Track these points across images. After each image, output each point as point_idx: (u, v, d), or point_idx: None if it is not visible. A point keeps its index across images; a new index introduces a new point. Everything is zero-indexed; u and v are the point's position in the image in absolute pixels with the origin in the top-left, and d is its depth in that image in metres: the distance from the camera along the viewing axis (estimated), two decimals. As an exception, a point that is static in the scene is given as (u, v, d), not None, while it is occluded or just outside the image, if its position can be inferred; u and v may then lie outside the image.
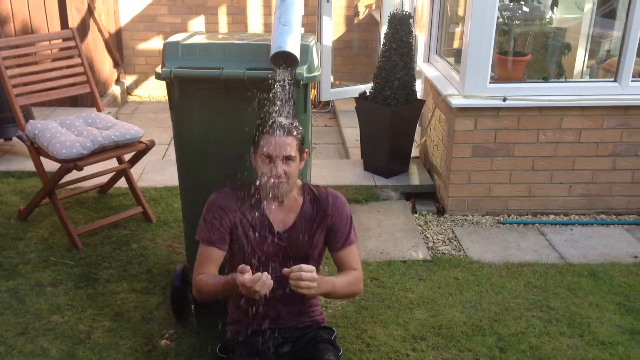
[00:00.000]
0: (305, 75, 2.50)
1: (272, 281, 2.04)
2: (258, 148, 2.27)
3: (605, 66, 4.58)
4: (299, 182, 2.40)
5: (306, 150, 2.38)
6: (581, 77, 4.76)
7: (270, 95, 2.39)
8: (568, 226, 4.06)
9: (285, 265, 2.39)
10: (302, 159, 2.33)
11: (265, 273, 2.03)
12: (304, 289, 2.09)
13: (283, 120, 2.26)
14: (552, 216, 4.19)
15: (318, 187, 2.45)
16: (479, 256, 3.65)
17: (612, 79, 4.06)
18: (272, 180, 2.24)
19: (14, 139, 4.81)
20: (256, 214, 2.35)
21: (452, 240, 3.85)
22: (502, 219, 4.15)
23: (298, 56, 2.46)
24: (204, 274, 2.32)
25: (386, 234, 3.87)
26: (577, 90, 4.03)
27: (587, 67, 4.81)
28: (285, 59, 2.44)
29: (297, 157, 2.29)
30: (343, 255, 2.42)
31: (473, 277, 3.41)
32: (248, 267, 2.05)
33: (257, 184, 2.34)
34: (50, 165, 3.62)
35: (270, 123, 2.24)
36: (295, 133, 2.26)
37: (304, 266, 2.10)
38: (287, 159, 2.24)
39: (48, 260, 3.39)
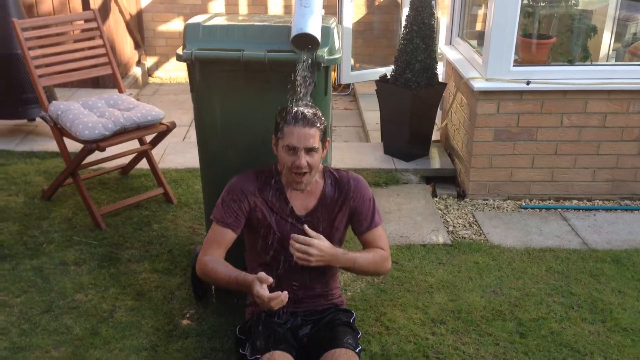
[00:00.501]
0: (326, 57, 2.48)
1: (287, 297, 2.07)
2: (280, 138, 2.26)
3: (632, 49, 4.50)
4: (320, 166, 2.39)
5: (328, 139, 2.37)
6: (607, 61, 4.68)
7: (291, 78, 2.38)
8: (591, 211, 4.01)
9: None
10: (324, 149, 2.32)
11: (285, 292, 2.06)
12: (300, 258, 2.18)
13: (306, 110, 2.24)
14: (575, 201, 4.14)
15: (339, 171, 2.45)
16: (499, 241, 3.62)
17: (639, 63, 3.98)
18: (295, 171, 2.24)
19: (38, 119, 4.86)
20: (277, 198, 2.35)
21: (472, 225, 3.83)
22: (523, 203, 4.11)
23: (319, 38, 2.44)
24: (212, 257, 2.30)
25: (406, 217, 3.86)
26: (603, 73, 3.96)
27: (613, 50, 4.72)
28: (306, 41, 2.42)
29: (320, 148, 2.27)
30: (369, 237, 2.43)
31: (494, 261, 3.39)
32: (270, 278, 2.08)
33: (278, 168, 2.34)
34: (73, 146, 3.66)
35: (293, 113, 2.22)
36: (318, 124, 2.24)
37: (298, 237, 2.19)
38: (311, 150, 2.23)
39: (71, 240, 3.44)
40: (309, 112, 2.24)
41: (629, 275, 3.28)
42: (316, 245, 2.19)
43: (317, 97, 2.52)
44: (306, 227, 2.25)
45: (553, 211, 4.01)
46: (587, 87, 3.88)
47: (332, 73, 6.06)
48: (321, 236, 2.24)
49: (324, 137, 2.29)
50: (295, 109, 2.24)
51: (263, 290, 2.05)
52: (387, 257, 2.44)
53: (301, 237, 2.18)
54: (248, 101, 2.61)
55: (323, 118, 2.29)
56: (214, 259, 2.30)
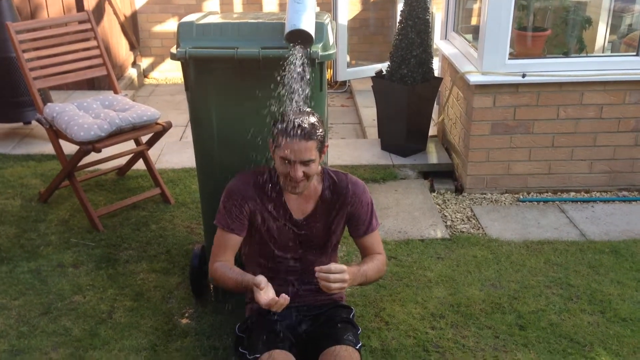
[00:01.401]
0: (320, 53, 2.47)
1: (288, 299, 2.03)
2: (277, 147, 2.21)
3: (627, 40, 4.49)
4: (318, 167, 2.37)
5: (327, 144, 2.33)
6: (602, 52, 4.67)
7: (286, 75, 2.37)
8: (589, 203, 4.01)
9: (303, 251, 2.40)
10: (322, 155, 2.27)
11: (283, 295, 2.03)
12: (334, 290, 2.09)
13: (303, 119, 2.17)
14: (572, 193, 4.14)
15: (338, 173, 2.42)
16: (498, 234, 3.62)
17: (634, 53, 3.98)
18: (291, 181, 2.22)
19: (33, 122, 4.86)
20: (275, 202, 2.34)
21: (470, 219, 3.82)
22: (521, 196, 4.11)
23: (313, 34, 2.43)
24: (221, 262, 2.31)
25: (404, 212, 3.86)
26: (598, 65, 3.95)
27: (608, 42, 4.72)
28: (300, 38, 2.41)
29: (317, 158, 2.23)
30: (366, 241, 2.42)
31: (492, 255, 3.39)
32: (265, 281, 2.06)
33: (275, 171, 2.32)
34: (69, 148, 3.65)
35: (290, 124, 2.15)
36: (315, 136, 2.18)
37: (332, 267, 2.09)
38: (307, 162, 2.20)
39: (69, 242, 3.43)
40: (306, 123, 2.17)
41: (628, 266, 3.28)
42: (348, 271, 2.13)
43: (312, 93, 2.51)
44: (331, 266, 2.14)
45: (551, 204, 4.01)
46: (583, 79, 3.87)
47: (328, 70, 6.05)
48: (335, 264, 2.14)
49: (322, 145, 2.24)
50: (293, 119, 2.17)
51: (261, 298, 2.04)
52: (385, 260, 2.45)
53: (332, 267, 2.09)
54: (243, 98, 2.60)
55: (321, 129, 2.22)
56: (223, 265, 2.29)
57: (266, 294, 2.06)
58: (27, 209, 3.77)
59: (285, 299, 2.03)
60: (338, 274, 2.09)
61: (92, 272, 3.18)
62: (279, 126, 2.20)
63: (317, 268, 2.10)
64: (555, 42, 4.38)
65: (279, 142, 2.19)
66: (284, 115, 2.22)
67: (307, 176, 2.23)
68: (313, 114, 2.25)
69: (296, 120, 2.16)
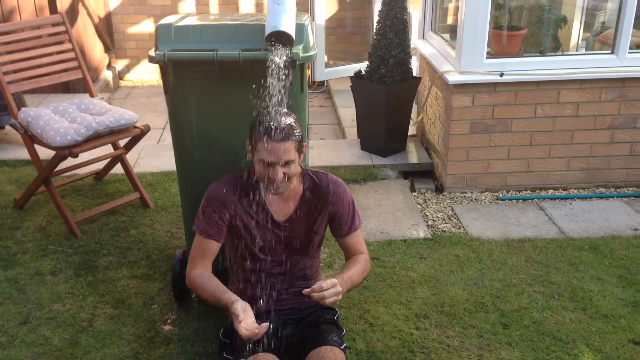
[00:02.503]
0: (301, 55, 2.46)
1: (267, 327, 2.03)
2: (255, 149, 2.18)
3: (601, 39, 4.55)
4: (298, 168, 2.36)
5: (305, 144, 2.31)
6: (577, 50, 4.73)
7: (266, 77, 2.35)
8: (567, 200, 4.05)
9: (286, 253, 2.38)
10: (301, 155, 2.26)
11: (263, 324, 2.02)
12: (329, 303, 2.09)
13: (280, 121, 2.14)
14: (551, 191, 4.18)
15: (318, 173, 2.40)
16: (479, 233, 3.64)
17: (610, 51, 4.04)
18: (271, 183, 2.19)
19: (7, 127, 4.76)
20: (256, 205, 2.31)
21: (451, 218, 3.84)
22: (501, 195, 4.14)
23: (294, 35, 2.42)
24: (200, 272, 2.27)
25: (385, 213, 3.86)
26: (574, 63, 3.99)
27: (582, 40, 4.78)
28: (280, 39, 2.40)
29: (297, 158, 2.21)
30: (349, 241, 2.41)
31: (474, 254, 3.41)
32: (242, 309, 2.05)
33: (255, 174, 2.30)
34: (45, 153, 3.58)
35: (267, 126, 2.12)
36: (292, 137, 2.15)
37: (324, 284, 2.08)
38: (286, 163, 2.18)
39: (46, 249, 3.37)
40: (283, 124, 2.14)
41: (607, 262, 3.32)
42: (338, 284, 2.12)
43: (293, 95, 2.50)
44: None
45: (530, 201, 4.04)
46: (560, 77, 3.91)
47: (307, 70, 6.04)
48: (326, 281, 2.13)
49: (300, 146, 2.22)
50: (270, 121, 2.14)
51: (242, 330, 2.01)
52: (368, 259, 2.44)
53: (324, 285, 2.08)
54: (224, 101, 2.58)
55: (298, 129, 2.19)
56: (202, 275, 2.26)
57: (245, 322, 2.03)
58: (2, 216, 3.69)
59: (264, 327, 2.01)
60: (332, 288, 2.09)
61: (71, 279, 3.12)
62: (256, 129, 2.17)
63: (309, 291, 2.09)
64: (532, 41, 4.42)
65: (256, 146, 2.17)
66: (260, 118, 2.18)
67: (288, 177, 2.21)
68: (289, 114, 2.22)
69: (272, 123, 2.14)
